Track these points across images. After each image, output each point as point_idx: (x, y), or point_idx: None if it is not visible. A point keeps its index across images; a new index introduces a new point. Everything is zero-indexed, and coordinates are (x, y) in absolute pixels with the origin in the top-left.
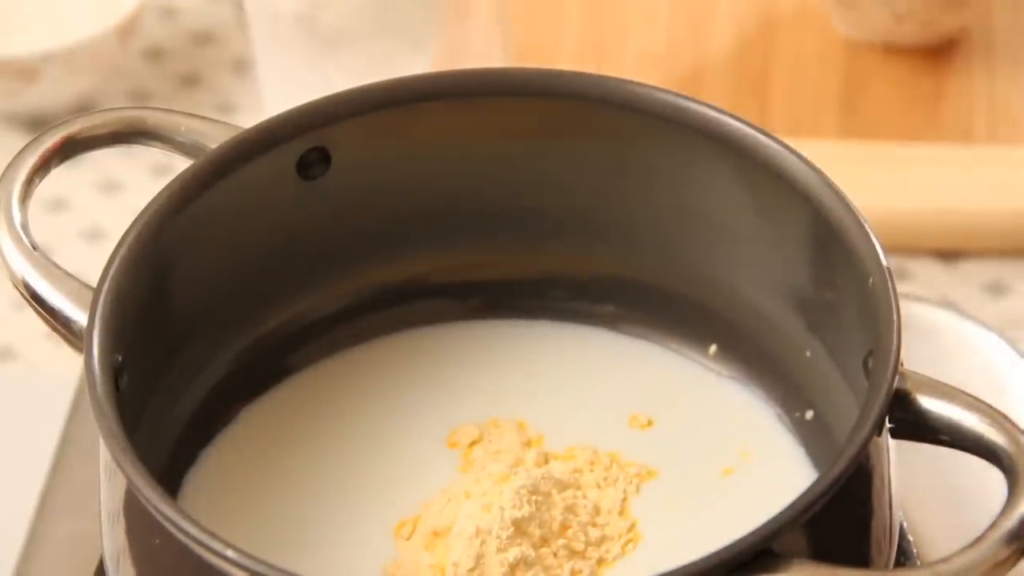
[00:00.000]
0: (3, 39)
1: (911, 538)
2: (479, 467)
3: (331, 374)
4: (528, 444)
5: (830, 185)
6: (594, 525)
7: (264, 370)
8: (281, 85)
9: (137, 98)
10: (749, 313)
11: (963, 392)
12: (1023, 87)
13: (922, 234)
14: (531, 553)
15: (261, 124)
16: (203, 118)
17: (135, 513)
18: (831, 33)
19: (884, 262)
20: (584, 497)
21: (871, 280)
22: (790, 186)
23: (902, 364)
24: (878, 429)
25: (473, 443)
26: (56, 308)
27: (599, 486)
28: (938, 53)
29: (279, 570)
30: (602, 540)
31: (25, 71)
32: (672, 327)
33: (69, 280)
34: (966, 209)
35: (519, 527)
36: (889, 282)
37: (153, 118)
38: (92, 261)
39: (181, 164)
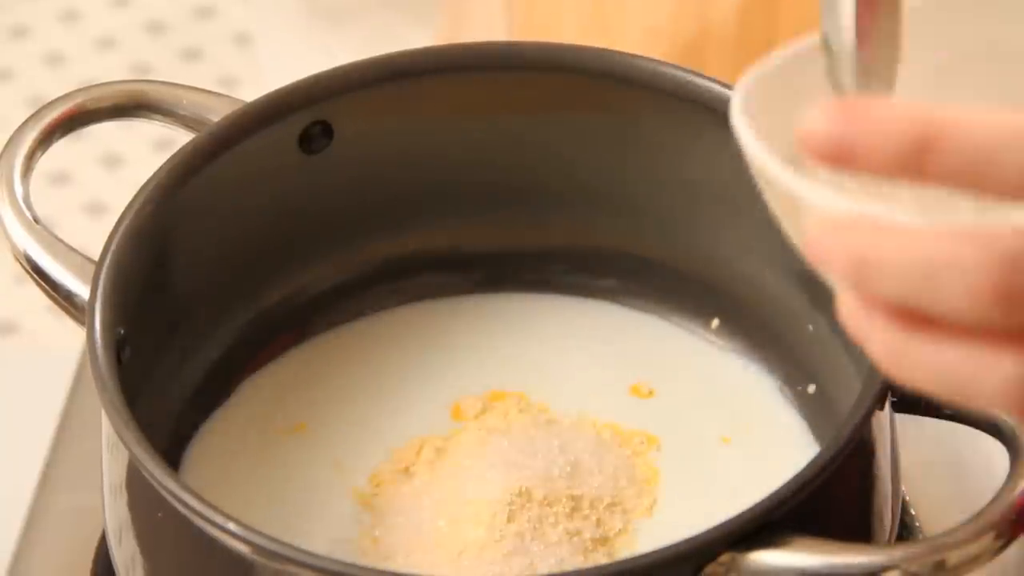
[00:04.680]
0: None
1: (913, 512)
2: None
3: (333, 347)
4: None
5: None
6: (595, 496)
7: (266, 343)
8: (283, 58)
9: (138, 71)
10: (752, 287)
11: None
12: None
13: None
14: (531, 526)
15: (263, 98)
16: (205, 91)
17: (137, 486)
18: None
19: None
20: (586, 467)
21: None
22: None
23: None
24: (880, 403)
25: (476, 415)
26: (58, 281)
27: (601, 457)
28: None
29: (280, 543)
30: (601, 512)
31: None
32: (674, 300)
33: (71, 254)
34: None
35: (523, 494)
36: None
37: (155, 91)
38: (94, 234)
39: (183, 138)
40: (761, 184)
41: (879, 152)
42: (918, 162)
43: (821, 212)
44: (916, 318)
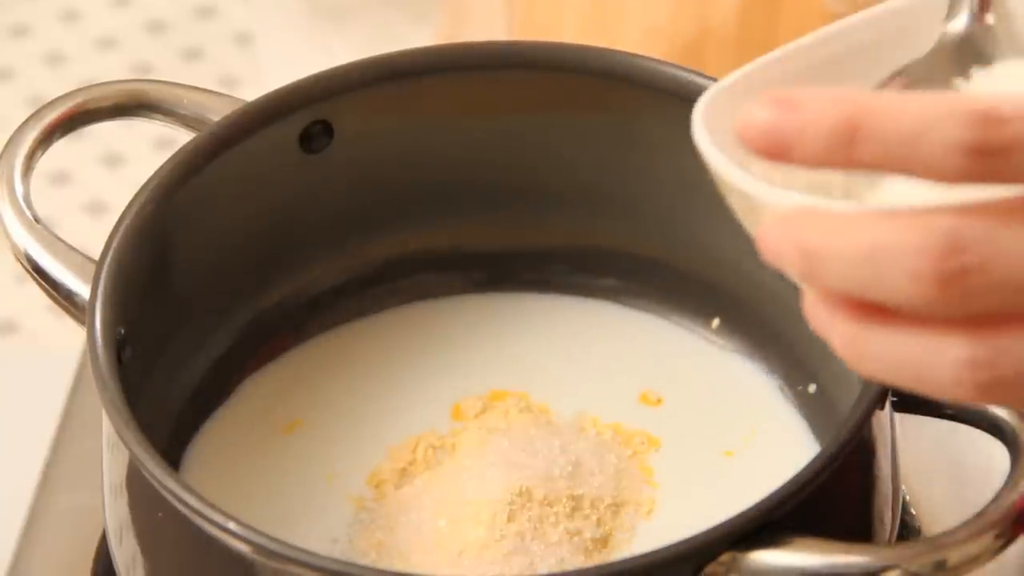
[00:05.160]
0: None
1: (913, 512)
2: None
3: (334, 347)
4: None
5: None
6: (595, 496)
7: (266, 343)
8: (283, 58)
9: (139, 71)
10: (752, 286)
11: None
12: None
13: None
14: (532, 526)
15: (263, 97)
16: (205, 91)
17: (137, 486)
18: None
19: None
20: (587, 467)
21: None
22: None
23: None
24: (880, 403)
25: (476, 415)
26: (59, 281)
27: (602, 457)
28: None
29: (280, 542)
30: (602, 512)
31: None
32: (674, 300)
33: (72, 253)
34: None
35: (523, 494)
36: None
37: (155, 90)
38: (95, 234)
39: (183, 137)
40: (722, 190)
41: (810, 143)
42: (848, 150)
43: (773, 209)
44: (871, 309)
